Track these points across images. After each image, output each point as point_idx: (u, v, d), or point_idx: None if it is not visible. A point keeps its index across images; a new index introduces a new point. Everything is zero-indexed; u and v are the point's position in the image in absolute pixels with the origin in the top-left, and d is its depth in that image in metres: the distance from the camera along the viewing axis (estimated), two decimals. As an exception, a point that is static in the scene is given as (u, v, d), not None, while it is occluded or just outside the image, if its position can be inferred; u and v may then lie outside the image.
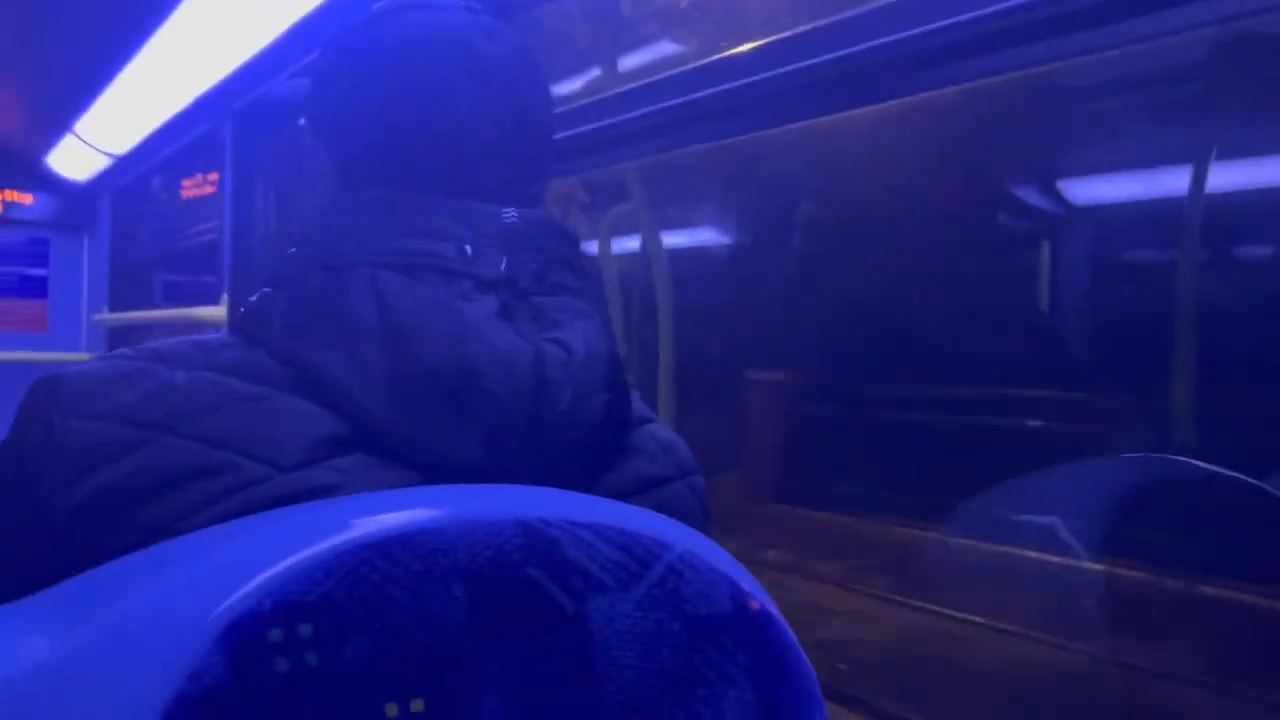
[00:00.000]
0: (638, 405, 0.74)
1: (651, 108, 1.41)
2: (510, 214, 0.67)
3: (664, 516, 0.57)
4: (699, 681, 0.50)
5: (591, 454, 0.64)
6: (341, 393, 0.59)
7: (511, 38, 0.73)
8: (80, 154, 3.46)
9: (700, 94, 1.34)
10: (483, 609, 0.46)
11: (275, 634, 0.41)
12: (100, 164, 3.51)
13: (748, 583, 0.54)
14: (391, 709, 0.43)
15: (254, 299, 0.67)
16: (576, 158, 1.64)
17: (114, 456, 0.56)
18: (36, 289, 4.03)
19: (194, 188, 3.34)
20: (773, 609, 0.54)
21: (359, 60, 0.71)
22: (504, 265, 0.64)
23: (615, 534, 0.50)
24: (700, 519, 0.73)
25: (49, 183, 3.89)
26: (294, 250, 0.67)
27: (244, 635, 0.40)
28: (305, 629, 0.41)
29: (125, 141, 3.18)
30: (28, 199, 3.92)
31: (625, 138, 1.51)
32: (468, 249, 0.64)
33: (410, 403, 0.59)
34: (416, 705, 0.44)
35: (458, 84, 0.69)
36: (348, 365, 0.60)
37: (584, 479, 0.62)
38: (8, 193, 3.88)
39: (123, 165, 3.45)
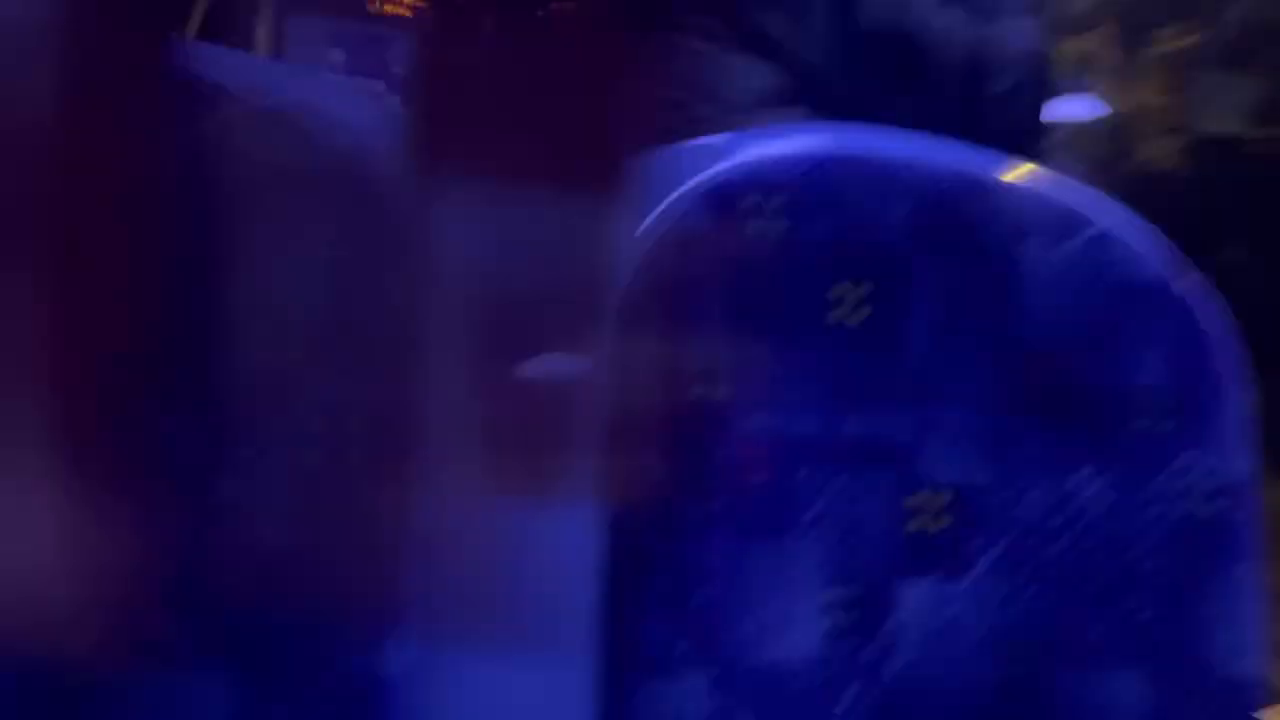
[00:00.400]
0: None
1: None
2: None
3: (1099, 193, 0.57)
4: (1113, 343, 0.53)
5: (1024, 146, 0.66)
6: (789, 55, 0.67)
7: None
8: None
9: None
10: (924, 230, 0.51)
11: (749, 199, 0.48)
12: None
13: (1176, 260, 0.56)
14: (840, 290, 0.49)
15: None
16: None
17: None
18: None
19: None
20: (1202, 290, 0.55)
21: None
22: None
23: (1049, 199, 0.54)
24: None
25: None
26: None
27: (724, 197, 0.48)
28: (775, 201, 0.48)
29: None
30: None
31: None
32: None
33: (850, 67, 0.66)
34: (860, 291, 0.49)
35: None
36: (798, 32, 0.67)
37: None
38: None
39: None
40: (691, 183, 0.49)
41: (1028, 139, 0.73)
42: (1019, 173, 0.57)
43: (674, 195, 0.49)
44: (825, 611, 0.49)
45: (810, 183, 0.50)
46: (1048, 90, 0.75)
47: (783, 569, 0.49)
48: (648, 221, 0.48)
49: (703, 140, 0.54)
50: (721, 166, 0.49)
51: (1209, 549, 0.55)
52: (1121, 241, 0.55)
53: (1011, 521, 0.52)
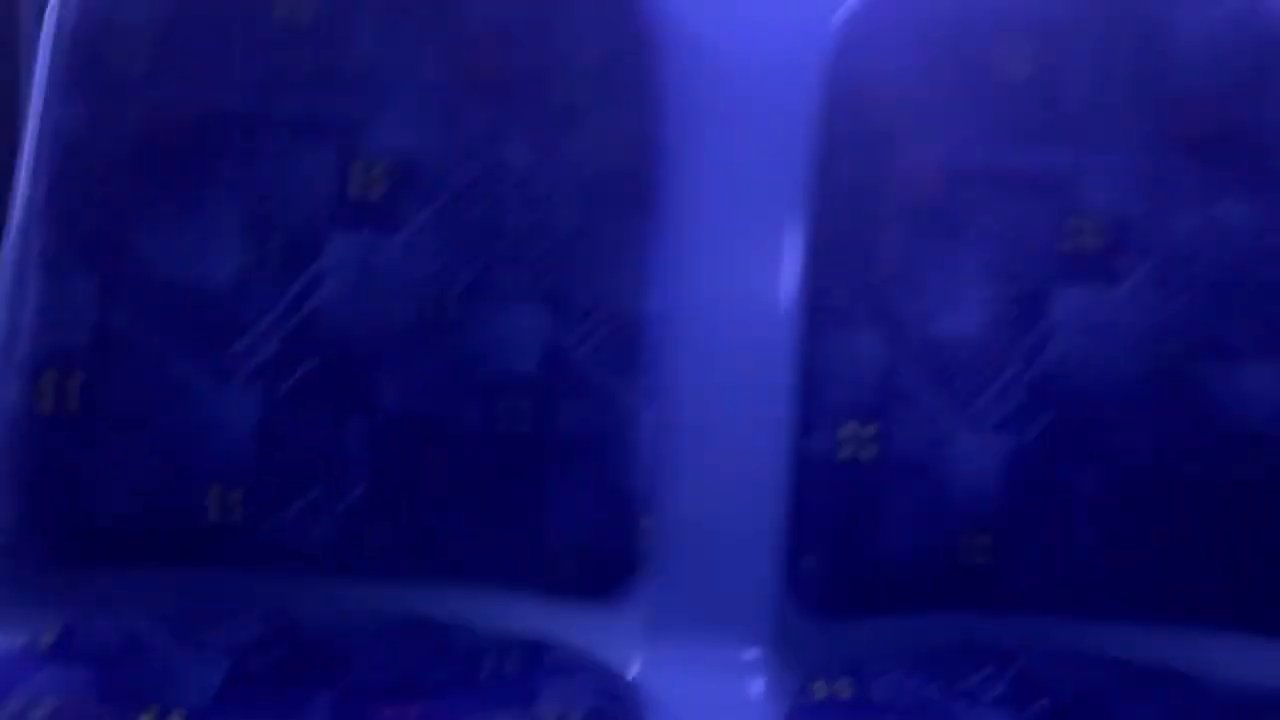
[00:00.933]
0: None
1: None
2: None
3: None
4: (1265, 87, 0.59)
5: None
6: None
7: None
8: None
9: None
10: (1077, 5, 0.60)
11: None
12: None
13: None
14: (1003, 49, 0.59)
15: None
16: None
17: None
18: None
19: None
20: None
21: None
22: None
23: None
24: None
25: None
26: None
27: None
28: None
29: None
30: None
31: None
32: None
33: None
34: (1024, 51, 0.59)
35: None
36: None
37: None
38: None
39: None
40: None
41: None
42: None
43: None
44: (989, 302, 0.54)
45: None
46: None
47: (951, 264, 0.59)
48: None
49: None
50: None
51: None
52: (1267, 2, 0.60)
53: (1163, 241, 0.57)
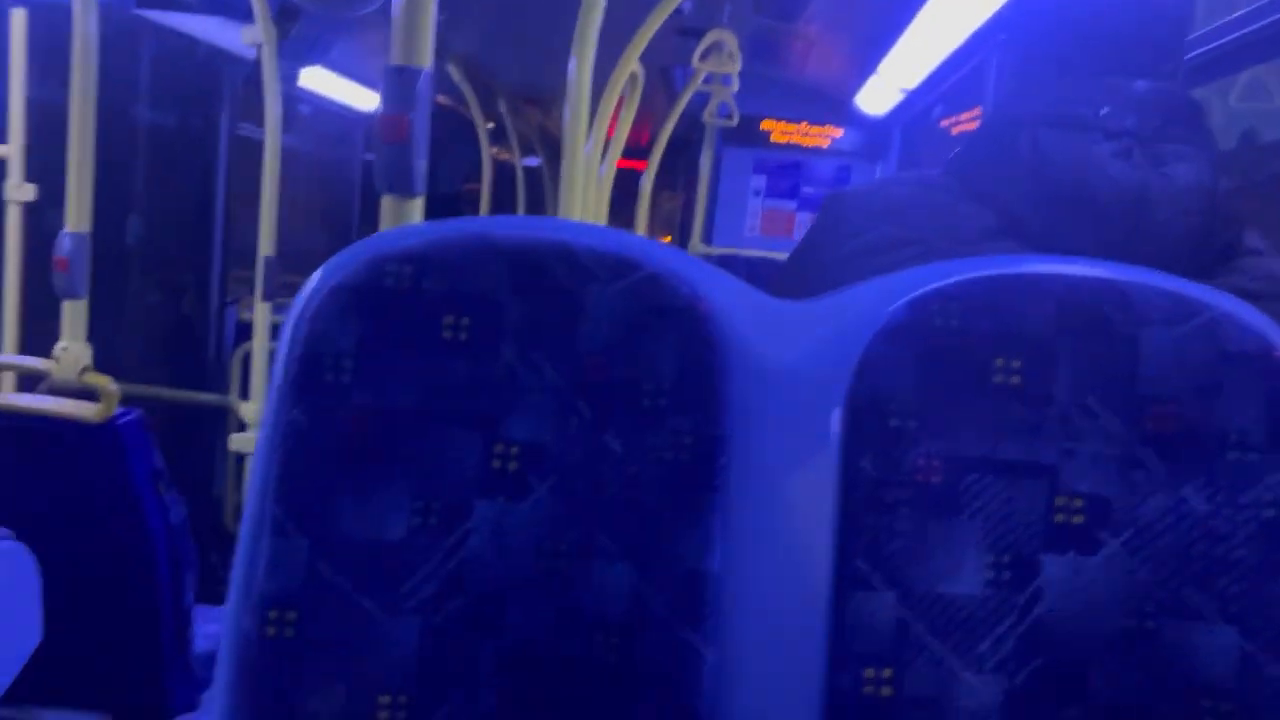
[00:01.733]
0: (1250, 238, 0.95)
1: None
2: (1141, 85, 0.93)
3: (1216, 291, 0.78)
4: (1219, 394, 0.75)
5: (1186, 260, 0.88)
6: (1001, 200, 0.93)
7: None
8: (879, 92, 4.10)
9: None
10: (1065, 322, 0.75)
11: (934, 305, 0.76)
12: (893, 100, 4.16)
13: (1278, 337, 0.76)
14: (999, 362, 0.75)
15: (959, 150, 1.02)
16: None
17: (866, 230, 0.96)
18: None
19: (963, 123, 3.67)
20: None
21: None
22: (1130, 122, 0.92)
23: (1172, 294, 0.77)
24: None
25: (854, 118, 4.58)
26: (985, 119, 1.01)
27: (919, 305, 0.76)
28: (954, 306, 0.76)
29: (914, 77, 3.72)
30: (840, 133, 4.65)
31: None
32: (1104, 110, 0.92)
33: (1047, 209, 0.90)
34: (1016, 363, 0.75)
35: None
36: (1009, 186, 0.93)
37: None
38: (829, 128, 4.63)
39: (910, 100, 4.07)
40: (902, 300, 0.77)
41: (1189, 256, 0.90)
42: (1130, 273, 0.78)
43: (891, 306, 0.77)
44: (987, 568, 0.72)
45: (975, 295, 0.77)
46: (1212, 217, 0.91)
47: (955, 537, 0.74)
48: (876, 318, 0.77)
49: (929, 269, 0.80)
50: (920, 290, 0.77)
51: None
52: (1231, 321, 0.76)
53: (1134, 520, 0.72)
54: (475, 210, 4.97)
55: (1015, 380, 0.75)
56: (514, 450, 0.76)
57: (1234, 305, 0.76)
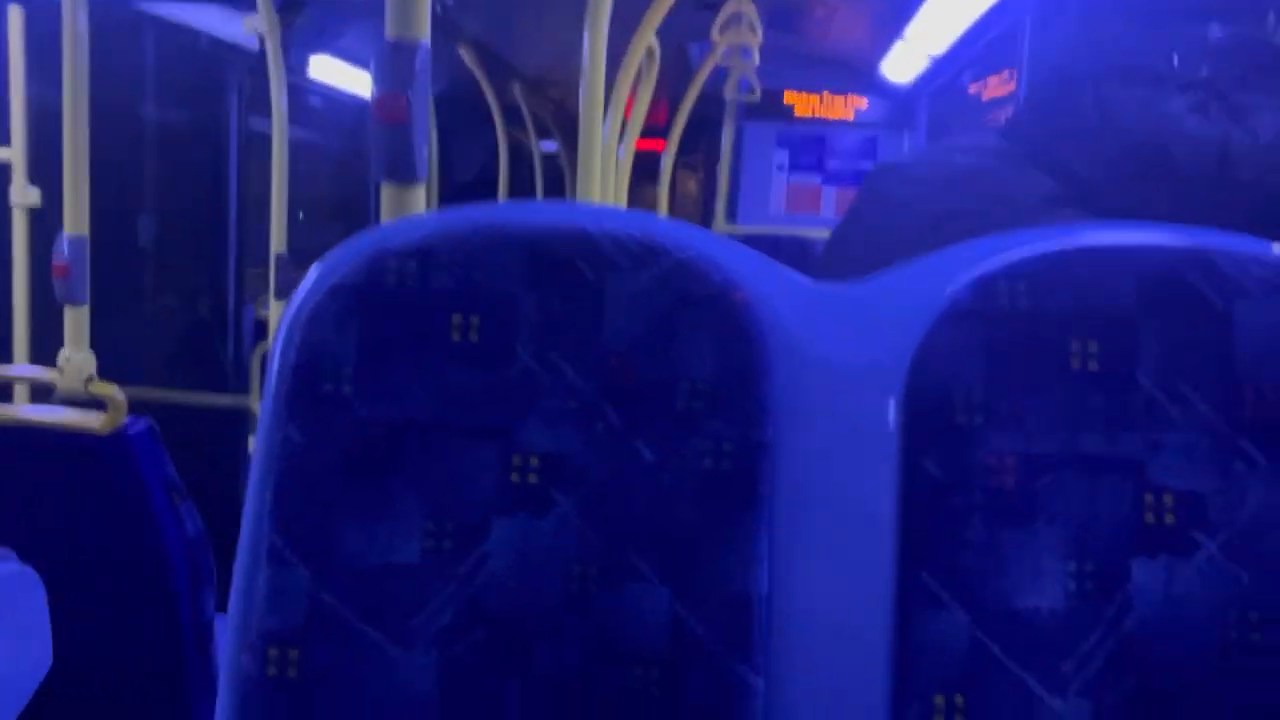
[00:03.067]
0: None
1: None
2: (1215, 30, 0.85)
3: None
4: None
5: (1273, 226, 0.78)
6: (1065, 164, 0.85)
7: None
8: (905, 59, 3.96)
9: None
10: (1147, 297, 0.68)
11: (1001, 284, 0.69)
12: (920, 66, 4.01)
13: None
14: (1075, 344, 0.67)
15: (1015, 112, 0.95)
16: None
17: (919, 202, 0.89)
18: (860, 180, 4.73)
19: (994, 88, 3.52)
20: None
21: None
22: (1205, 72, 0.84)
23: (1270, 261, 0.68)
24: None
25: (879, 88, 4.45)
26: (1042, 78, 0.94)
27: (984, 285, 0.69)
28: (1022, 285, 0.68)
29: (942, 42, 3.58)
30: (864, 103, 4.54)
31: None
32: (1175, 60, 0.85)
33: (1115, 172, 0.83)
34: (1093, 346, 0.68)
35: None
36: (1073, 148, 0.85)
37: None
38: (853, 98, 4.51)
39: (938, 67, 3.92)
40: (964, 279, 0.69)
41: (1276, 217, 0.80)
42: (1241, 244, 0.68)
43: (951, 287, 0.69)
44: (1070, 576, 0.64)
45: (1045, 271, 0.69)
46: None
47: (1032, 544, 0.66)
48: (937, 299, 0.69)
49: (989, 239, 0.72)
50: (987, 263, 0.69)
51: None
52: None
53: (1232, 518, 0.63)
54: (493, 198, 4.91)
55: (1094, 365, 0.67)
56: (534, 462, 0.68)
57: None
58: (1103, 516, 0.66)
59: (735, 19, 2.92)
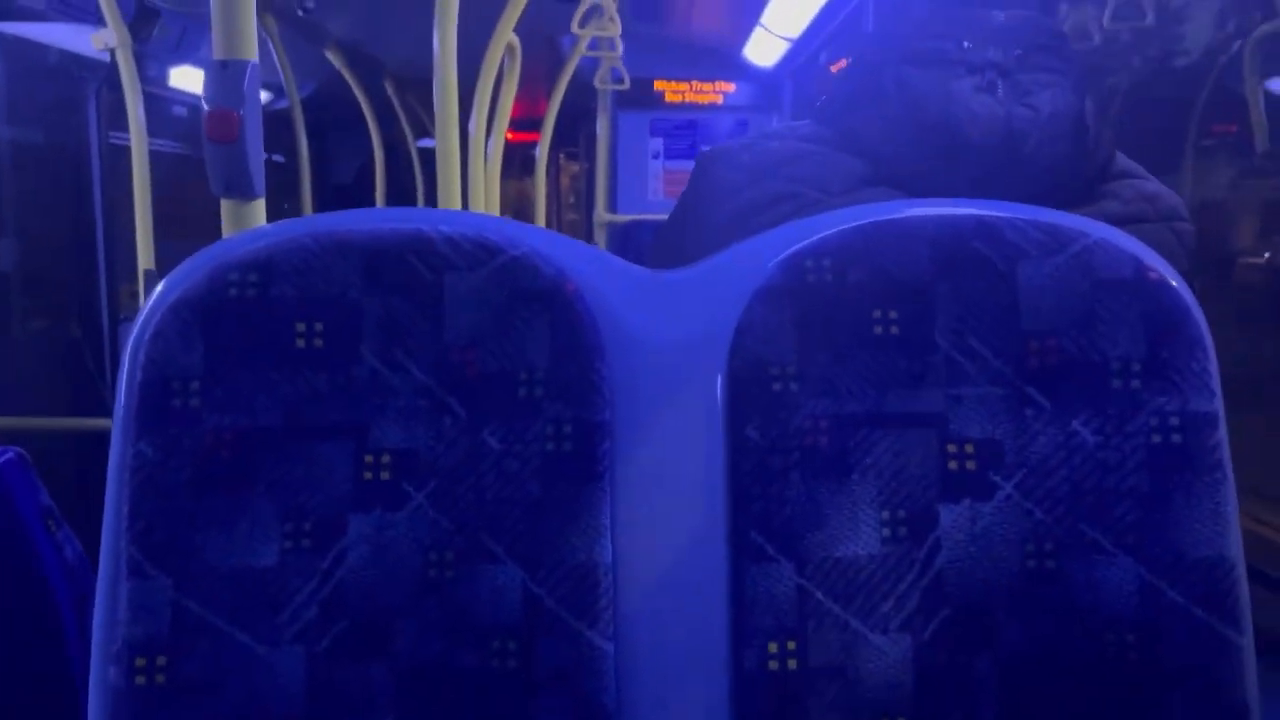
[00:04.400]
0: (1122, 161, 0.95)
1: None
2: (998, 15, 0.93)
3: (1094, 220, 0.77)
4: (1099, 322, 0.73)
5: (1057, 190, 0.88)
6: (871, 147, 0.91)
7: None
8: (765, 43, 4.09)
9: None
10: (939, 265, 0.74)
11: (808, 262, 0.75)
12: (781, 49, 4.14)
13: (1152, 259, 0.75)
14: (877, 313, 0.74)
15: (825, 96, 1.01)
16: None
17: (741, 189, 0.93)
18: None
19: (839, 63, 3.56)
20: (1173, 279, 0.75)
21: None
22: (992, 53, 0.91)
23: (1045, 225, 0.76)
24: (1182, 260, 0.91)
25: (745, 71, 4.57)
26: (850, 60, 1.00)
27: (793, 263, 0.75)
28: (826, 262, 0.74)
29: (797, 26, 3.73)
30: (732, 88, 4.62)
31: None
32: (965, 44, 0.92)
33: (914, 151, 0.89)
34: (893, 313, 0.74)
35: None
36: (877, 129, 0.91)
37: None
38: (720, 84, 4.61)
39: (797, 49, 4.07)
40: (774, 260, 0.75)
41: (1062, 184, 0.90)
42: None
43: (764, 266, 0.75)
44: (884, 524, 0.71)
45: (846, 248, 0.75)
46: (1081, 142, 0.91)
47: (847, 498, 0.72)
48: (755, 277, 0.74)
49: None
50: (796, 245, 0.75)
51: (1177, 466, 0.71)
52: (1104, 249, 0.74)
53: (1025, 460, 0.70)
54: (372, 199, 4.86)
55: (895, 330, 0.73)
56: (385, 459, 0.72)
57: (1106, 232, 0.75)
58: (910, 468, 0.72)
59: (595, 11, 2.95)
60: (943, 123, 0.88)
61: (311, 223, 0.75)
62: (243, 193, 1.00)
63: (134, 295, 3.34)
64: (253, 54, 0.98)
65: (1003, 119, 0.88)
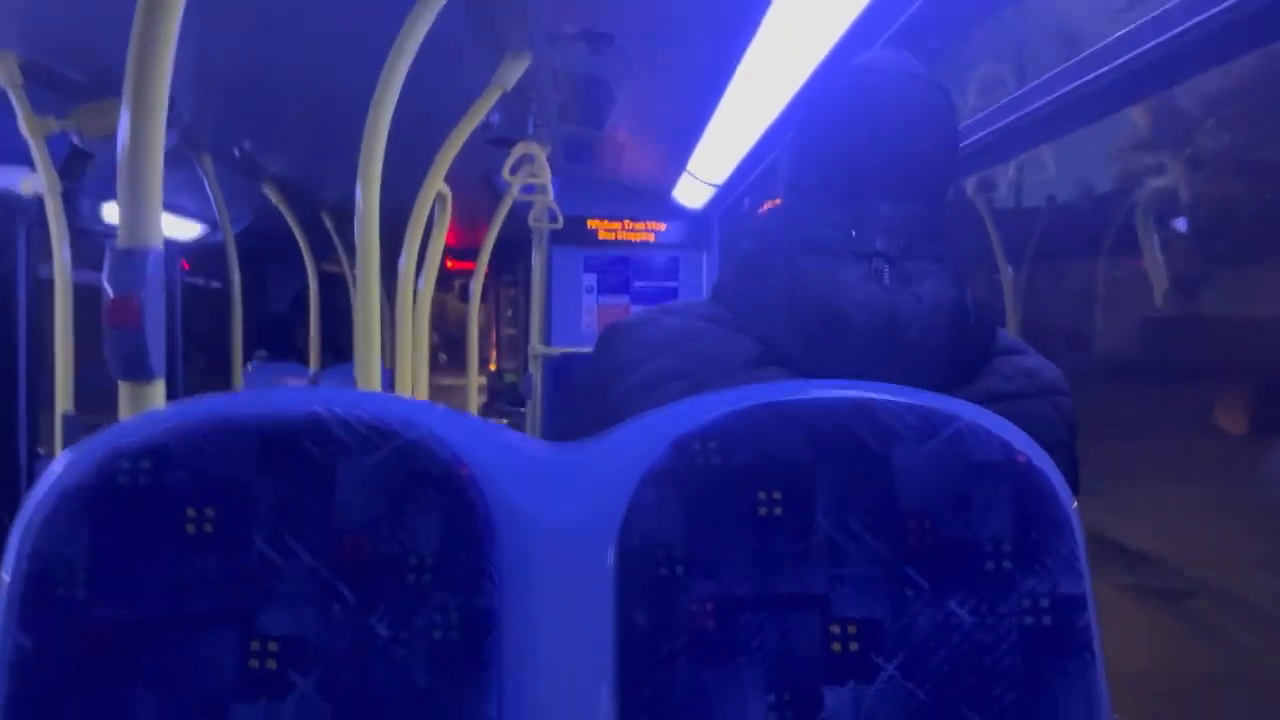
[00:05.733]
0: (1004, 338, 0.99)
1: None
2: (886, 206, 0.96)
3: (962, 402, 0.80)
4: (971, 505, 0.76)
5: (939, 373, 0.92)
6: (763, 328, 0.95)
7: (927, 93, 1.01)
8: (694, 187, 4.36)
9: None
10: (820, 447, 0.76)
11: (695, 444, 0.76)
12: (708, 193, 4.39)
13: (1021, 443, 0.78)
14: (761, 495, 0.76)
15: (721, 277, 1.04)
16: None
17: (638, 365, 0.96)
18: (670, 297, 4.90)
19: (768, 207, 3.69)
20: (1040, 463, 0.77)
21: (825, 103, 1.04)
22: (879, 243, 0.95)
23: (920, 409, 0.78)
24: (1061, 432, 0.94)
25: (675, 211, 4.85)
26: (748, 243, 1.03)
27: (681, 445, 0.77)
28: (713, 444, 0.76)
29: (722, 172, 3.93)
30: (663, 226, 4.92)
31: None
32: (853, 233, 0.95)
33: (803, 335, 0.92)
34: (777, 494, 0.76)
35: (879, 129, 0.99)
36: (768, 312, 0.95)
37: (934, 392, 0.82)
38: (651, 223, 4.90)
39: (723, 191, 4.30)
40: (664, 442, 0.77)
41: (942, 367, 0.93)
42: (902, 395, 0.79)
43: (654, 447, 0.77)
44: (770, 708, 0.72)
45: (732, 430, 0.77)
46: (959, 329, 0.94)
47: (734, 680, 0.73)
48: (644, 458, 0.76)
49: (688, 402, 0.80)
50: (687, 427, 0.77)
51: (1048, 648, 0.74)
52: (974, 433, 0.77)
53: (906, 641, 0.71)
54: (306, 325, 4.86)
55: (778, 511, 0.75)
56: (272, 646, 0.71)
57: (977, 415, 0.78)
58: (796, 649, 0.74)
59: (526, 159, 3.04)
60: (829, 307, 0.92)
61: (205, 404, 0.75)
62: (140, 375, 1.00)
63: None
64: (158, 241, 1.00)
65: (887, 305, 0.92)
